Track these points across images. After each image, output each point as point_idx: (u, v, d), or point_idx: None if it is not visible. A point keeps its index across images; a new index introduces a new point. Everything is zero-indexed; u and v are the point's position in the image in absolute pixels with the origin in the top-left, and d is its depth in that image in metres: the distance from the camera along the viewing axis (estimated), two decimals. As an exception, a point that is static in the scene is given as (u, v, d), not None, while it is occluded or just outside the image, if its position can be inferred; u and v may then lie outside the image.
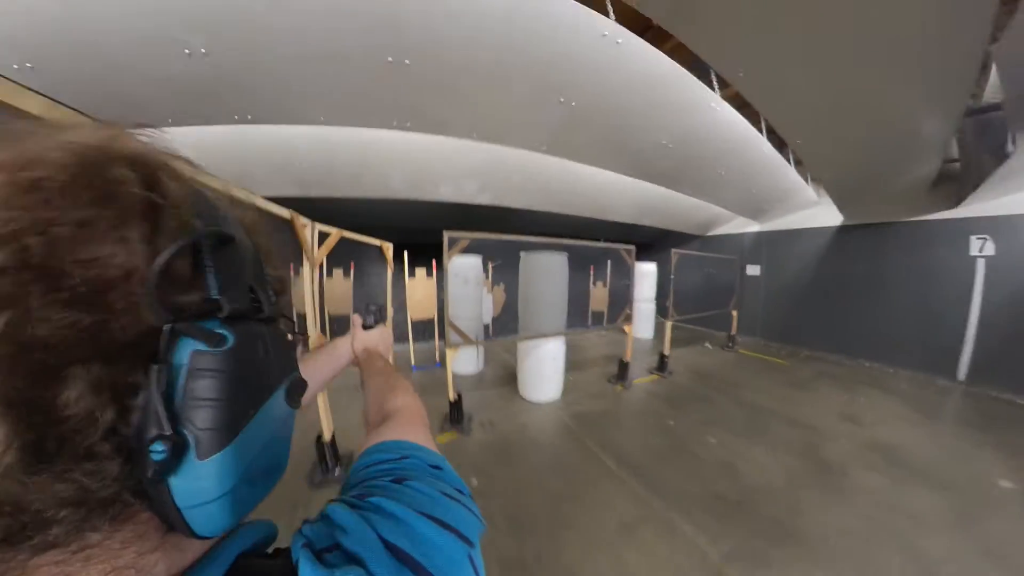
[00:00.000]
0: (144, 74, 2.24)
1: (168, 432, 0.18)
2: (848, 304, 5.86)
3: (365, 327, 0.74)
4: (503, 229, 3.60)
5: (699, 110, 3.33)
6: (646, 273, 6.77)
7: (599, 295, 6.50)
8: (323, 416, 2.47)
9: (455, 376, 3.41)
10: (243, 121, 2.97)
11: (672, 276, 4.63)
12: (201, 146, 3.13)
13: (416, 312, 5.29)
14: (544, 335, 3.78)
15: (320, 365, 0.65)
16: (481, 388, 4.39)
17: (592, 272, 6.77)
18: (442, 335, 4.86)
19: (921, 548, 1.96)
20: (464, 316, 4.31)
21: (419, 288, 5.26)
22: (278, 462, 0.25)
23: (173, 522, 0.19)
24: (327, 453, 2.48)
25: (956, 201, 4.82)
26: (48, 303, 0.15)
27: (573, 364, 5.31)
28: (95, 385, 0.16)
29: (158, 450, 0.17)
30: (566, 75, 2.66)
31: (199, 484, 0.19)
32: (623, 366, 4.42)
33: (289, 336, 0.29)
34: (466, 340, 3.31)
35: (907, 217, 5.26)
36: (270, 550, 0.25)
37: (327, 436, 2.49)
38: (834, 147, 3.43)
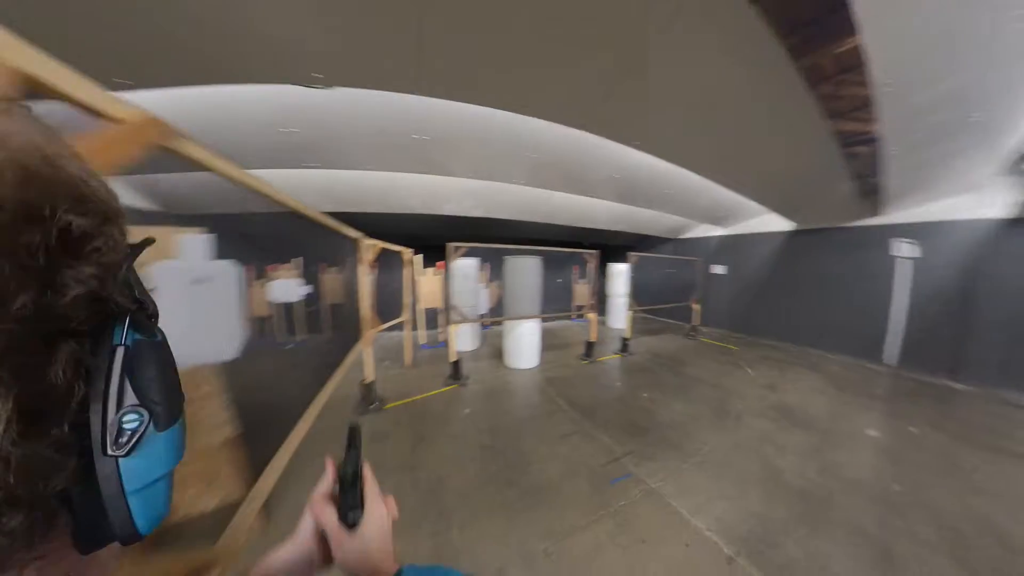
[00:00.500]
0: (258, 136, 3.28)
1: (138, 403, 0.19)
2: (797, 298, 6.59)
3: (348, 524, 0.39)
4: (498, 237, 4.57)
5: (628, 154, 4.18)
6: (620, 272, 7.59)
7: (581, 291, 7.34)
8: (367, 366, 3.47)
9: (457, 352, 4.35)
10: (309, 166, 4.07)
11: (632, 275, 5.48)
12: (276, 179, 4.23)
13: (426, 302, 6.22)
14: (523, 317, 4.68)
15: None
16: (476, 360, 5.32)
17: (576, 271, 7.61)
18: (447, 319, 5.76)
19: (774, 463, 2.75)
20: (463, 304, 5.23)
21: (428, 284, 6.20)
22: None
23: (108, 520, 0.18)
24: (368, 393, 3.54)
25: (877, 211, 5.53)
26: (65, 272, 0.16)
27: (554, 346, 6.21)
28: (72, 361, 0.17)
29: (131, 420, 0.18)
30: (534, 139, 3.60)
31: (151, 460, 0.19)
32: (589, 346, 5.28)
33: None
34: (464, 319, 4.24)
35: (844, 223, 5.98)
36: None
37: (368, 380, 3.49)
38: (739, 181, 4.28)
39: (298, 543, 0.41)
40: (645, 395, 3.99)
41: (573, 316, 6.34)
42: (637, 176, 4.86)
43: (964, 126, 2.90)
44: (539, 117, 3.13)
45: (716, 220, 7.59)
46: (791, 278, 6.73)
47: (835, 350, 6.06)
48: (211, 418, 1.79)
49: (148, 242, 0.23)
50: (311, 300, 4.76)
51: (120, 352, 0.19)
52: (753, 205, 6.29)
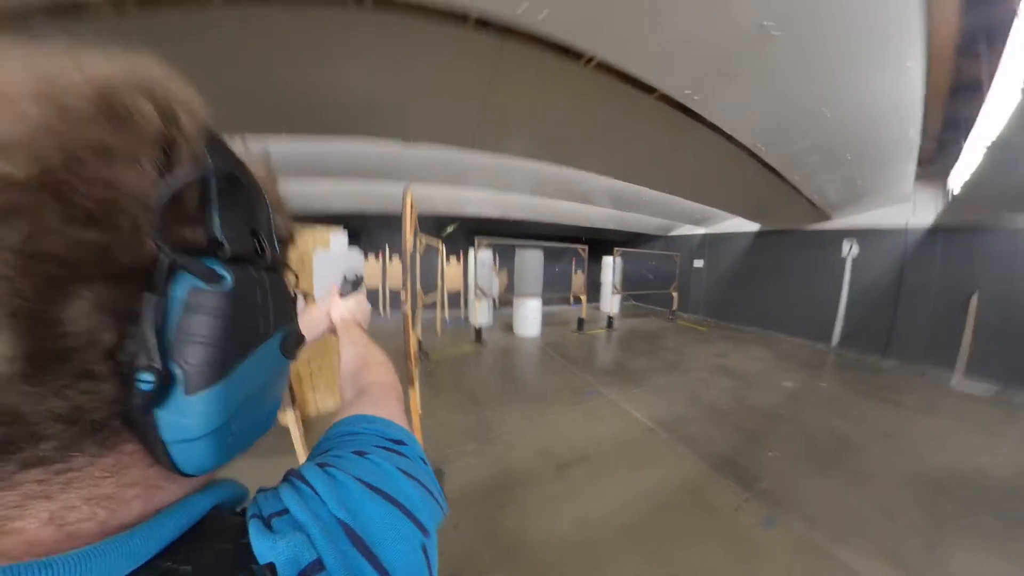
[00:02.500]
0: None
1: (157, 364, 0.16)
2: (762, 289, 7.30)
3: (342, 295, 0.67)
4: (509, 233, 5.51)
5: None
6: (609, 264, 8.42)
7: (579, 279, 8.21)
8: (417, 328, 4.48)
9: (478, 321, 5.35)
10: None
11: (620, 266, 6.33)
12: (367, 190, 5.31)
13: (449, 285, 7.23)
14: (527, 295, 5.64)
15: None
16: (491, 332, 6.31)
17: (574, 262, 8.47)
18: (466, 302, 6.76)
19: (700, 393, 3.64)
20: (482, 287, 6.22)
21: (452, 270, 7.20)
22: (267, 413, 0.24)
23: (158, 455, 0.18)
24: (420, 347, 4.49)
25: (828, 216, 6.19)
26: (62, 218, 0.14)
27: (552, 323, 7.14)
28: (98, 305, 0.15)
29: (145, 380, 0.16)
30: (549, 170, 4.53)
31: (185, 420, 0.18)
32: (580, 321, 6.21)
33: (291, 289, 0.27)
34: (485, 295, 5.23)
35: (802, 226, 6.65)
36: (238, 509, 0.23)
37: (418, 338, 4.47)
38: (707, 198, 5.09)
39: (320, 312, 0.65)
40: (620, 354, 4.89)
41: (572, 302, 7.22)
42: (623, 189, 5.69)
43: (842, 161, 3.66)
44: (552, 162, 4.06)
45: (696, 221, 8.31)
46: (758, 271, 7.43)
47: (792, 333, 6.75)
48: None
49: (226, 173, 0.20)
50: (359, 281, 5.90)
51: (154, 304, 0.17)
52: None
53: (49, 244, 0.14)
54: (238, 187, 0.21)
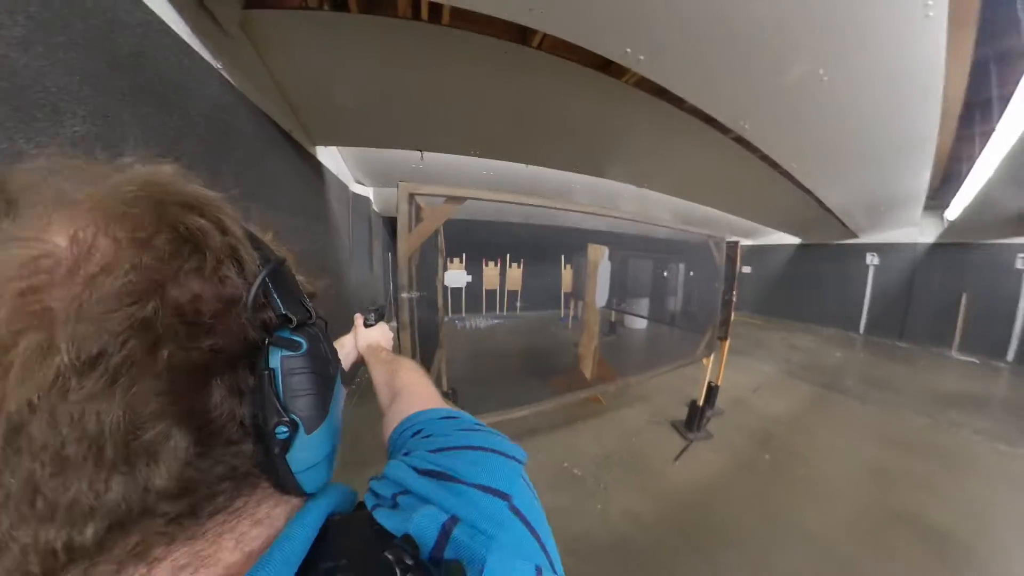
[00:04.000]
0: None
1: (286, 418, 0.22)
2: (802, 290, 9.36)
3: (366, 325, 0.77)
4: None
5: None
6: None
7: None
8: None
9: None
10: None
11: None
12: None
13: (511, 286, 9.20)
14: (638, 297, 7.60)
15: None
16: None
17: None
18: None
19: (789, 359, 5.66)
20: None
21: (513, 274, 9.11)
22: (339, 430, 0.28)
23: (288, 486, 0.23)
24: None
25: (856, 235, 8.25)
26: (188, 336, 0.19)
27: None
28: (228, 389, 0.21)
29: (282, 432, 0.22)
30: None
31: (308, 453, 0.23)
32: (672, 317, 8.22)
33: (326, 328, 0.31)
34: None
35: (834, 240, 8.71)
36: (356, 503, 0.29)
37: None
38: (757, 216, 7.10)
39: (352, 339, 0.75)
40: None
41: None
42: (688, 208, 7.70)
43: (872, 197, 5.70)
44: (638, 184, 5.99)
45: (743, 235, 10.38)
46: (798, 276, 9.50)
47: (827, 324, 8.79)
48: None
49: (278, 262, 0.24)
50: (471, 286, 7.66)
51: (266, 376, 0.22)
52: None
53: (185, 358, 0.19)
54: (280, 268, 0.25)
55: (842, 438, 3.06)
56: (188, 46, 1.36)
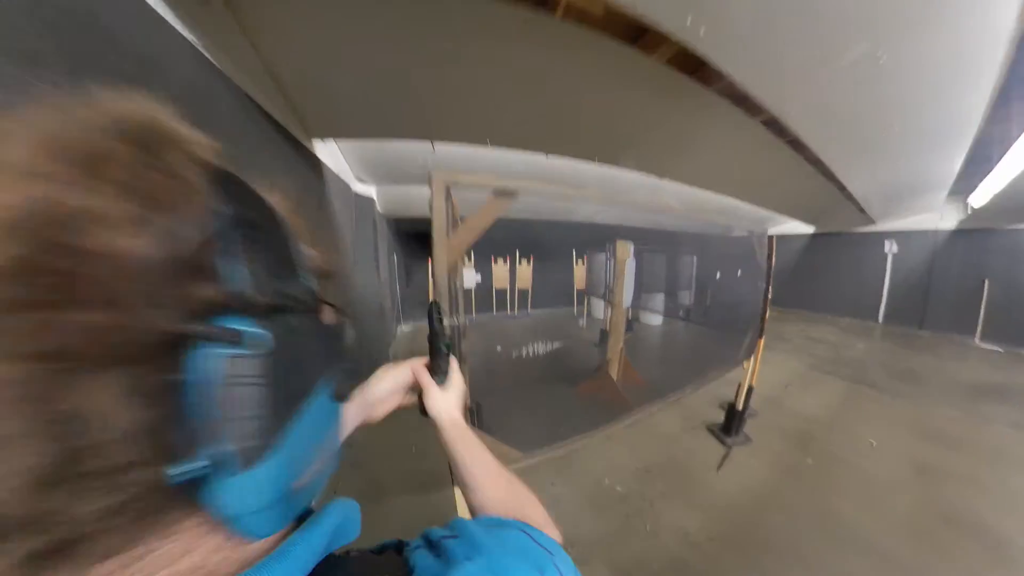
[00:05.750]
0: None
1: (201, 448, 0.16)
2: (818, 280, 9.39)
3: (433, 373, 0.54)
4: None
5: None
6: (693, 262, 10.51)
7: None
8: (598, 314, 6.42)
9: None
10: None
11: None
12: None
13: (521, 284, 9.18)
14: (655, 292, 7.63)
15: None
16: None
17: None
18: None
19: (813, 352, 5.70)
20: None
21: (523, 271, 9.15)
22: (328, 459, 0.23)
23: (227, 528, 0.18)
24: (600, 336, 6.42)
25: (874, 221, 8.25)
26: (51, 306, 0.13)
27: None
28: (120, 392, 0.14)
29: (189, 467, 0.16)
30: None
31: (243, 496, 0.17)
32: (687, 311, 8.25)
33: (336, 322, 0.25)
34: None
35: (851, 229, 8.71)
36: (374, 546, 0.24)
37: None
38: (772, 204, 7.09)
39: (394, 383, 0.53)
40: (735, 331, 6.98)
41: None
42: (700, 200, 7.69)
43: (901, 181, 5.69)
44: (653, 173, 5.98)
45: (756, 224, 10.37)
46: (814, 266, 9.52)
47: (845, 315, 8.83)
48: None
49: (239, 216, 0.18)
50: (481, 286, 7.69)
51: (176, 385, 0.15)
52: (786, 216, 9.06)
53: (45, 338, 0.13)
54: (256, 229, 0.19)
55: (880, 436, 3.10)
56: (154, 11, 1.13)
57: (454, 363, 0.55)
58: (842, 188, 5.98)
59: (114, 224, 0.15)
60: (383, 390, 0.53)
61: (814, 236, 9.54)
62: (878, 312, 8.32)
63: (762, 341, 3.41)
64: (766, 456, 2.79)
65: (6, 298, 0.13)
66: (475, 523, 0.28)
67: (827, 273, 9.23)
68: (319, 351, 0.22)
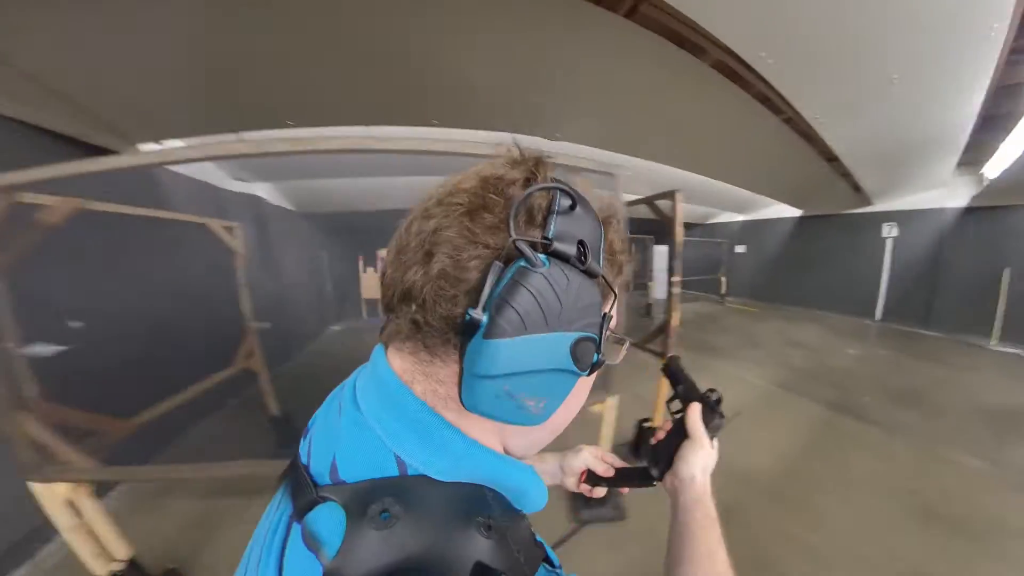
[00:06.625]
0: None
1: (477, 307, 0.23)
2: (805, 271, 8.20)
3: (709, 430, 0.48)
4: None
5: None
6: (661, 252, 9.27)
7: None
8: None
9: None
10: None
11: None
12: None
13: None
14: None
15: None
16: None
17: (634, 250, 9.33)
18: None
19: (787, 362, 4.52)
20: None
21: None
22: (539, 405, 0.26)
23: (459, 379, 0.25)
24: None
25: (870, 201, 7.04)
26: (480, 210, 0.25)
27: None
28: (477, 257, 0.24)
29: (466, 316, 0.23)
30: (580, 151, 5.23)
31: (477, 356, 0.23)
32: (648, 307, 7.08)
33: (611, 313, 0.30)
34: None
35: (844, 210, 7.51)
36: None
37: None
38: (751, 183, 5.89)
39: (581, 463, 0.56)
40: (700, 334, 5.80)
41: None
42: (671, 180, 6.48)
43: (905, 157, 4.50)
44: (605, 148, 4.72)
45: (737, 208, 9.16)
46: (801, 255, 8.33)
47: (837, 311, 7.62)
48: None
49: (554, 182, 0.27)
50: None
51: (493, 268, 0.24)
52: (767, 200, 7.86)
53: (469, 221, 0.25)
54: (573, 209, 0.26)
55: (861, 511, 1.95)
56: None
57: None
58: (832, 158, 4.79)
59: (510, 183, 0.26)
60: (575, 464, 0.57)
61: (801, 220, 8.34)
62: (874, 308, 7.14)
63: (671, 360, 2.20)
64: (638, 549, 1.61)
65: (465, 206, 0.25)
66: None
67: (817, 262, 8.03)
68: (579, 306, 0.26)
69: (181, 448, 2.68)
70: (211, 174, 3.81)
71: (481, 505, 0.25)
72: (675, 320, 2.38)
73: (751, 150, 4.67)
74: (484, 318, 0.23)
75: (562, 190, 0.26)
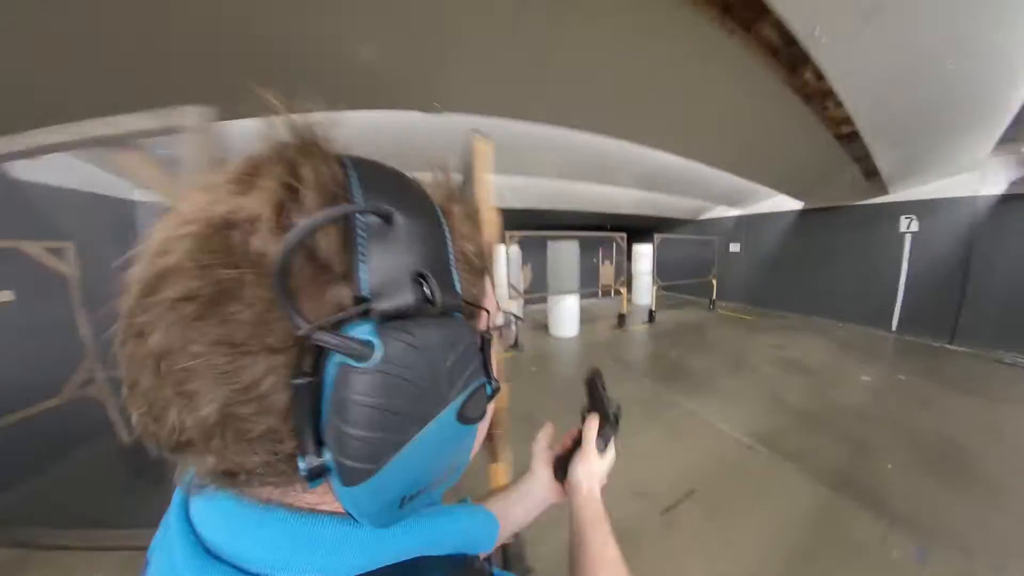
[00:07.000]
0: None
1: (311, 451, 0.17)
2: (808, 272, 7.13)
3: (599, 448, 0.50)
4: (533, 224, 5.28)
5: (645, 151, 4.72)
6: (645, 252, 8.22)
7: (607, 271, 8.04)
8: None
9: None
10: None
11: (655, 255, 6.15)
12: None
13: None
14: (564, 292, 5.45)
15: (510, 505, 0.51)
16: (523, 332, 6.17)
17: (601, 253, 8.29)
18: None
19: (779, 395, 3.49)
20: (515, 286, 6.05)
21: None
22: (448, 475, 0.23)
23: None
24: None
25: (885, 190, 5.96)
26: (218, 301, 0.16)
27: (586, 320, 6.97)
28: (268, 372, 0.16)
29: (303, 466, 0.17)
30: (566, 141, 4.23)
31: (351, 500, 0.18)
32: (621, 317, 6.04)
33: (488, 325, 0.25)
34: (518, 295, 5.06)
35: (853, 202, 6.43)
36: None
37: None
38: (748, 171, 4.84)
39: (529, 495, 0.52)
40: (672, 353, 4.77)
41: (602, 294, 7.05)
42: (652, 166, 5.46)
43: (940, 122, 3.43)
44: (565, 126, 3.78)
45: (732, 202, 8.08)
46: (803, 253, 7.25)
47: (845, 319, 6.57)
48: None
49: (368, 210, 0.17)
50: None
51: (296, 388, 0.16)
52: (766, 188, 6.79)
53: (215, 324, 0.15)
54: (392, 224, 0.18)
55: None
56: None
57: (612, 445, 0.53)
58: (842, 135, 3.75)
59: (241, 226, 0.16)
60: (539, 480, 0.53)
61: (803, 214, 7.25)
62: (891, 317, 6.07)
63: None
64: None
65: (197, 306, 0.16)
66: None
67: (822, 262, 6.95)
68: (452, 364, 0.20)
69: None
70: (113, 185, 3.36)
71: None
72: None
73: (744, 123, 3.68)
74: (329, 463, 0.17)
75: (361, 210, 0.17)
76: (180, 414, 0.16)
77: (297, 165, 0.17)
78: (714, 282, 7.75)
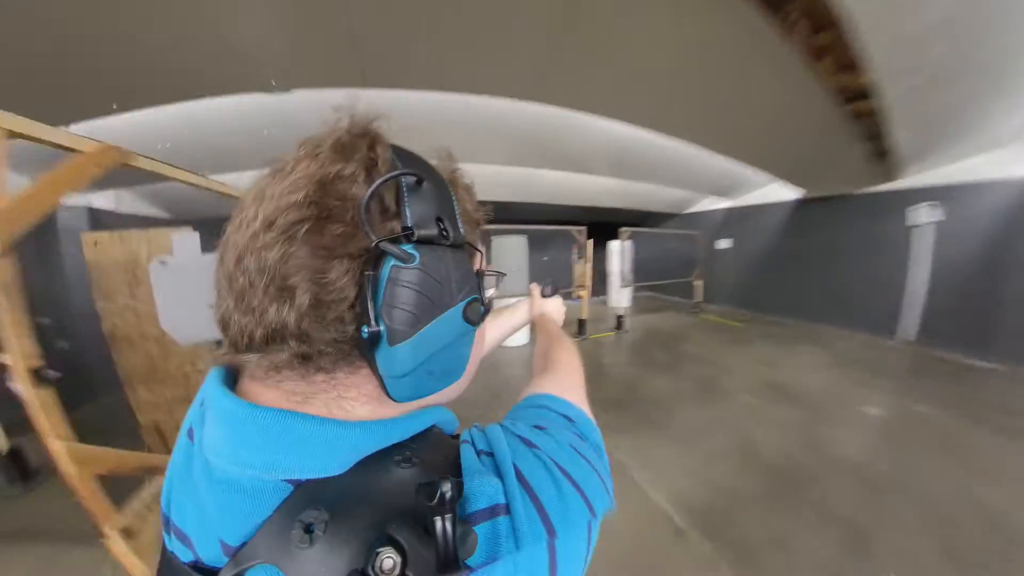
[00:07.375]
0: (247, 141, 3.24)
1: (372, 322, 0.24)
2: (806, 272, 6.18)
3: (543, 296, 0.85)
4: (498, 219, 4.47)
5: (607, 126, 3.86)
6: (615, 249, 7.31)
7: (581, 270, 7.12)
8: None
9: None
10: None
11: (630, 252, 5.25)
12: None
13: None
14: (509, 296, 4.58)
15: (504, 320, 0.83)
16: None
17: (575, 250, 7.38)
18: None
19: (752, 437, 2.60)
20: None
21: None
22: (454, 366, 0.30)
23: (379, 383, 0.27)
24: None
25: (894, 175, 5.00)
26: (322, 220, 0.24)
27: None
28: (346, 273, 0.24)
29: (364, 332, 0.24)
30: (503, 118, 3.39)
31: (390, 363, 0.25)
32: (581, 324, 5.14)
33: (481, 267, 0.35)
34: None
35: (858, 189, 5.48)
36: (452, 433, 0.33)
37: None
38: (731, 147, 3.94)
39: (523, 309, 0.85)
40: (630, 370, 3.88)
41: (575, 296, 6.15)
42: (625, 148, 4.58)
43: (966, 63, 2.51)
44: (493, 95, 2.98)
45: (721, 192, 7.14)
46: (800, 250, 6.30)
47: (848, 327, 5.65)
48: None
49: (408, 174, 0.26)
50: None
51: (369, 277, 0.24)
52: (760, 175, 5.85)
53: (318, 237, 0.24)
54: (422, 186, 0.27)
55: None
56: None
57: (558, 296, 0.88)
58: (852, 97, 2.86)
59: (346, 178, 0.25)
60: (522, 309, 0.86)
61: (801, 204, 6.29)
62: (904, 325, 5.11)
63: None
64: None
65: (299, 217, 0.24)
66: (507, 428, 0.32)
67: (823, 259, 6.00)
68: (457, 278, 0.28)
69: None
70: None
71: (395, 451, 0.27)
72: None
73: (734, 89, 2.88)
74: (381, 328, 0.24)
75: (407, 173, 0.26)
76: (279, 309, 0.24)
77: (373, 146, 0.27)
78: (697, 283, 6.81)
